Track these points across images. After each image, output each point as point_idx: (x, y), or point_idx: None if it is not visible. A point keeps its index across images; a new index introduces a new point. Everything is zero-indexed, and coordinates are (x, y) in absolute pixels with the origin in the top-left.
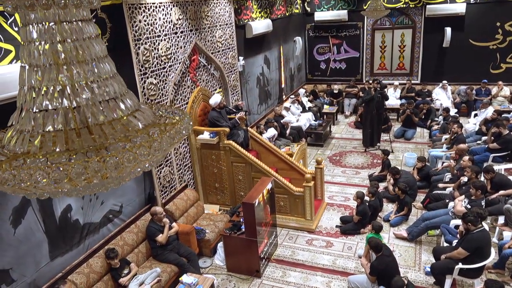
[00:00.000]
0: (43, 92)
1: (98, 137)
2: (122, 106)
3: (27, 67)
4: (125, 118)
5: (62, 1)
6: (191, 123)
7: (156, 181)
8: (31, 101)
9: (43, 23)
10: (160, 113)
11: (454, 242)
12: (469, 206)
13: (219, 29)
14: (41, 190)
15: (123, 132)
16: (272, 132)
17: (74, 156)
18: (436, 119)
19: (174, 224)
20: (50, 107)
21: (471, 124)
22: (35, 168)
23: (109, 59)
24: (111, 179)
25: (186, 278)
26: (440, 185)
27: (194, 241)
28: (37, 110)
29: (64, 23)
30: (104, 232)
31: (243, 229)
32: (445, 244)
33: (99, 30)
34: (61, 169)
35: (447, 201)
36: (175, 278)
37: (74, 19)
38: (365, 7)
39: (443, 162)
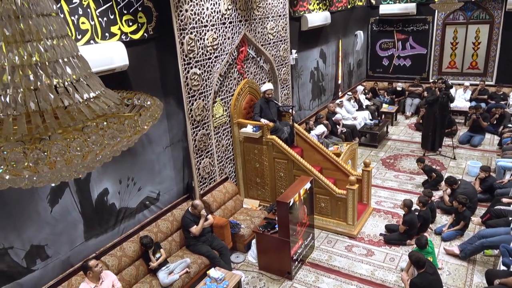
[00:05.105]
0: None
1: (35, 127)
2: (76, 94)
3: None
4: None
5: None
6: (156, 115)
7: (195, 172)
8: None
9: None
10: (134, 101)
11: None
12: None
13: (271, 20)
14: None
15: (67, 122)
16: (321, 129)
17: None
18: (510, 125)
19: (209, 216)
20: None
21: None
22: None
23: (70, 39)
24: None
25: (214, 272)
26: (504, 200)
27: (228, 234)
28: None
29: None
30: (139, 218)
31: (277, 228)
32: (502, 267)
33: (146, 19)
34: None
35: (510, 218)
36: (205, 270)
37: None
38: (436, 0)
39: (511, 175)
